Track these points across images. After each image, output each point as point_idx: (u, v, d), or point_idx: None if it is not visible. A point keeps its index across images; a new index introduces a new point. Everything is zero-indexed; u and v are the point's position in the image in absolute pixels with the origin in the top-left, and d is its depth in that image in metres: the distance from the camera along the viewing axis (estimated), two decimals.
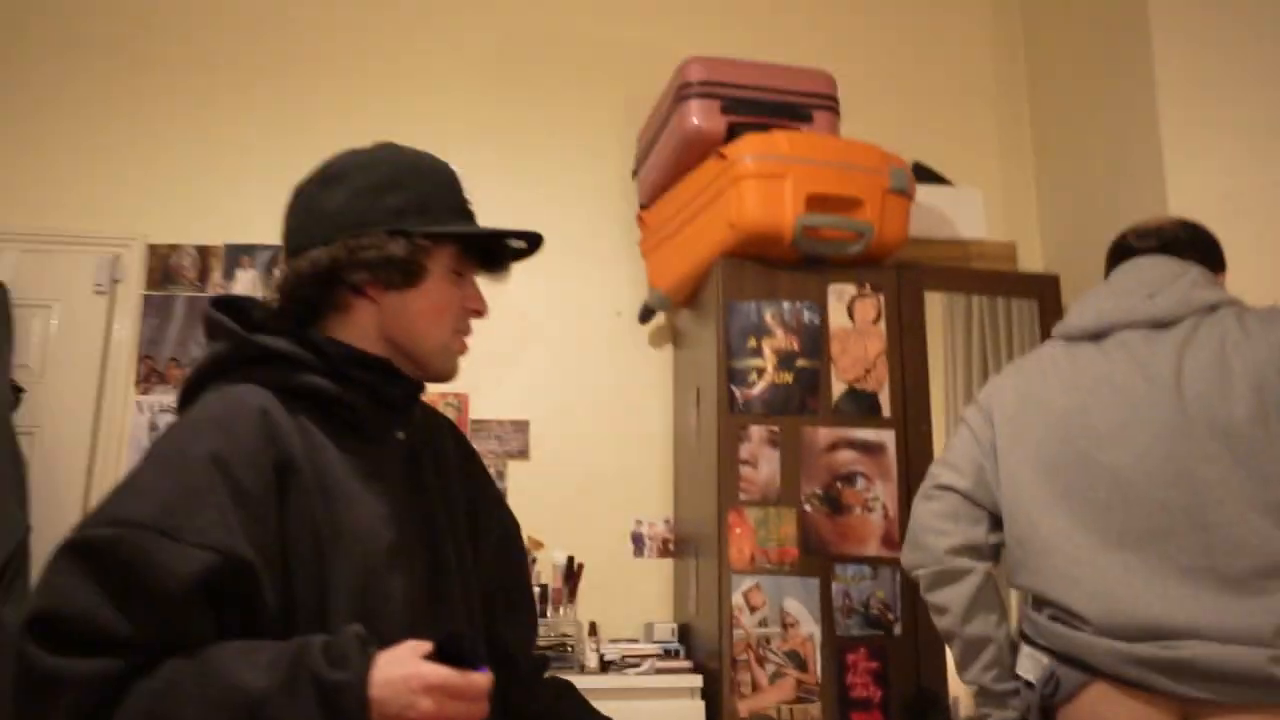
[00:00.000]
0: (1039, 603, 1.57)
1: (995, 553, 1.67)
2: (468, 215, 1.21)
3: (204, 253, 2.84)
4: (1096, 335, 1.62)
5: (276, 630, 0.99)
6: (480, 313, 1.22)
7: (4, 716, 2.54)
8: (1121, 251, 1.71)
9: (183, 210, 2.87)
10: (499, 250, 1.22)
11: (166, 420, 2.71)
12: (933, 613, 1.67)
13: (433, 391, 2.77)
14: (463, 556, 1.22)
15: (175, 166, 2.89)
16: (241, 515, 0.97)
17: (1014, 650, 1.62)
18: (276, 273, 1.17)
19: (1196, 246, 1.67)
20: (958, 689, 2.28)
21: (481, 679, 0.95)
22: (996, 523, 1.65)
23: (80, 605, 0.89)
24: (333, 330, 1.15)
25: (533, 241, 1.22)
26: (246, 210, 2.86)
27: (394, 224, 1.13)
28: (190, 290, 2.82)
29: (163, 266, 2.82)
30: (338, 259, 1.12)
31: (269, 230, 2.80)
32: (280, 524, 1.01)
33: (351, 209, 1.13)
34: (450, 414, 2.78)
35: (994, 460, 1.65)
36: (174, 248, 2.84)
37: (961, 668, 1.65)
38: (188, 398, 1.13)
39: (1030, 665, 1.56)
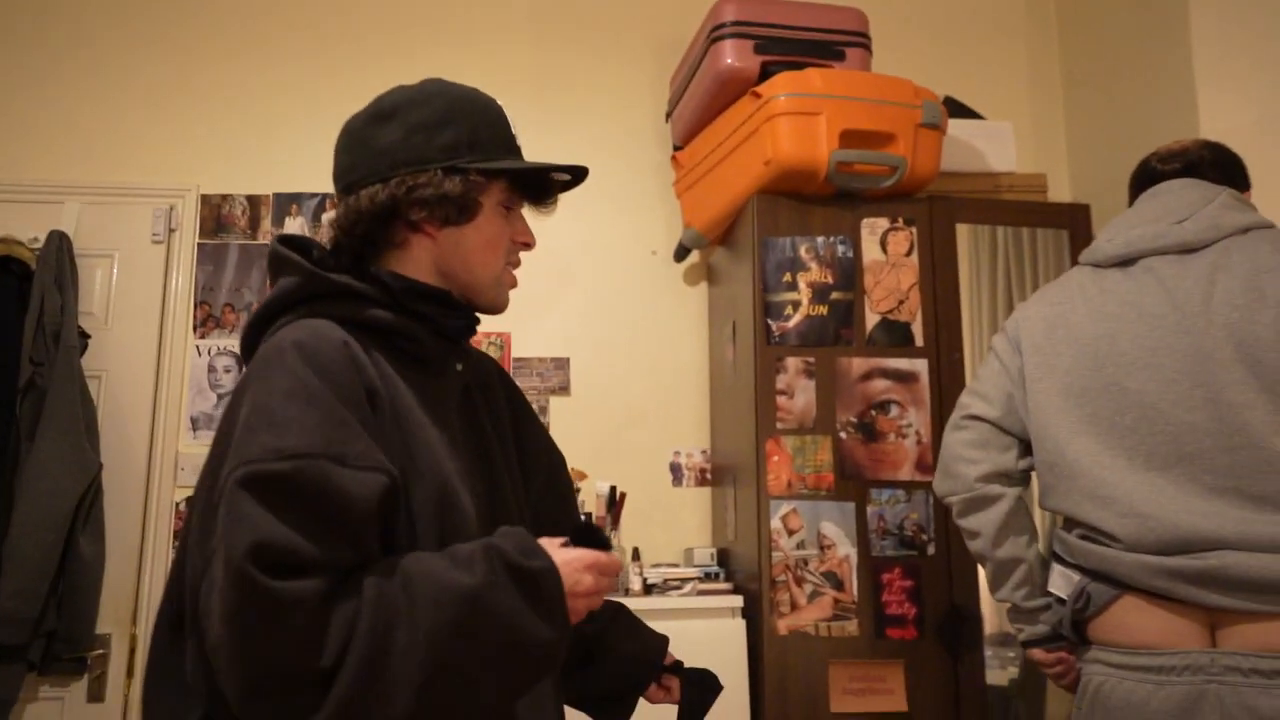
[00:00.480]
0: (1069, 523, 1.60)
1: (1025, 478, 1.70)
2: (515, 150, 1.23)
3: (254, 202, 2.94)
4: (1124, 262, 1.60)
5: (401, 545, 1.04)
6: (529, 245, 1.25)
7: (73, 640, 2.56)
8: (1146, 176, 1.69)
9: (233, 161, 2.96)
10: (545, 184, 1.25)
11: (224, 363, 2.83)
12: (966, 537, 1.72)
13: (480, 331, 2.88)
14: (515, 486, 1.28)
15: (225, 119, 2.98)
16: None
17: (1044, 569, 1.66)
18: (331, 210, 1.22)
19: (1221, 166, 1.65)
20: (988, 605, 2.38)
21: (619, 558, 1.13)
22: (1026, 449, 1.67)
23: (281, 533, 0.92)
24: (390, 265, 1.18)
25: (577, 174, 1.25)
26: (294, 160, 2.95)
27: (449, 161, 1.15)
28: (242, 238, 2.92)
29: (215, 216, 2.93)
30: (397, 196, 1.14)
31: (315, 179, 2.93)
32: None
33: (407, 146, 1.15)
34: (494, 353, 2.88)
35: (1022, 388, 1.66)
36: (225, 197, 2.94)
37: (994, 587, 1.70)
38: (256, 331, 1.15)
39: (1062, 583, 1.60)
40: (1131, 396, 1.52)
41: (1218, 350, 1.47)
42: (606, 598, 1.44)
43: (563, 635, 1.02)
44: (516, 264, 1.27)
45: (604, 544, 1.09)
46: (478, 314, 1.26)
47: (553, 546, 1.06)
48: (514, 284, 1.27)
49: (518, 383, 2.85)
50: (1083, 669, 1.58)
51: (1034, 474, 1.70)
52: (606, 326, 2.97)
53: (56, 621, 2.47)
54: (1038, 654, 1.70)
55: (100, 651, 2.61)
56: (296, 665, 0.92)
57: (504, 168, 1.19)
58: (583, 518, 2.60)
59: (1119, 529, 1.49)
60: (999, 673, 2.70)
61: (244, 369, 1.11)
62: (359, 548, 0.98)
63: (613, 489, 2.67)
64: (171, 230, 2.89)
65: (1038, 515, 1.84)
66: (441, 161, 1.15)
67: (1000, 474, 1.67)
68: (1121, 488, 1.50)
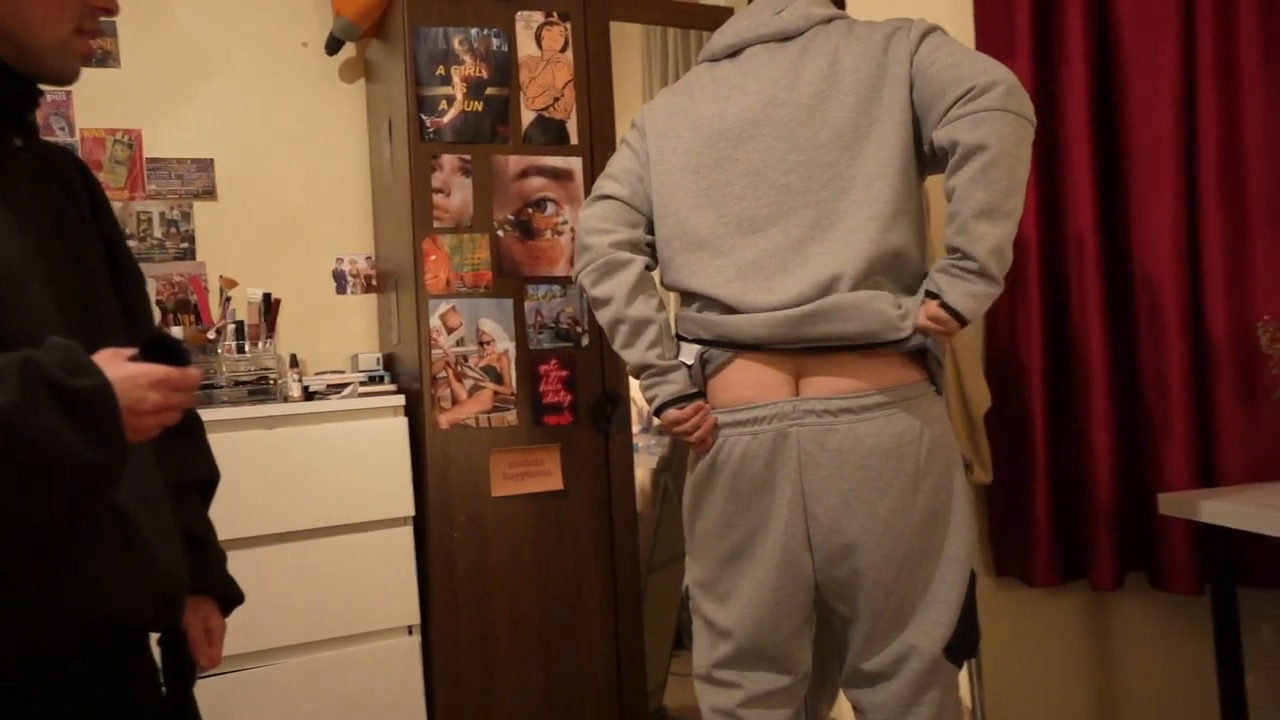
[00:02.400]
0: (689, 298, 1.75)
1: (652, 253, 1.82)
2: None
3: None
4: (734, 52, 1.77)
5: None
6: (110, 10, 1.13)
7: None
8: None
9: None
10: None
11: None
12: (599, 308, 1.77)
13: (100, 127, 2.57)
14: (106, 285, 1.19)
15: None
16: None
17: (673, 342, 1.78)
18: None
19: None
20: (638, 392, 2.56)
21: (195, 372, 1.02)
22: (651, 228, 1.80)
23: None
24: None
25: None
26: None
27: None
28: None
29: None
30: None
31: None
32: None
33: None
34: (121, 153, 2.60)
35: (649, 170, 1.78)
36: None
37: (629, 349, 1.74)
38: None
39: (687, 354, 1.74)
40: (739, 166, 1.68)
41: (808, 119, 1.65)
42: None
43: (114, 458, 0.94)
44: (95, 32, 1.13)
45: (181, 358, 1.01)
46: (41, 85, 1.11)
47: (115, 361, 0.97)
48: (89, 53, 1.13)
49: (154, 186, 2.62)
50: None
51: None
52: (256, 125, 2.75)
53: None
54: (673, 413, 1.71)
55: None
56: None
57: None
58: (232, 324, 2.48)
59: (724, 293, 1.66)
60: (648, 457, 2.96)
61: None
62: None
63: (267, 295, 2.55)
64: None
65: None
66: None
67: (630, 243, 1.78)
68: (731, 256, 1.67)
